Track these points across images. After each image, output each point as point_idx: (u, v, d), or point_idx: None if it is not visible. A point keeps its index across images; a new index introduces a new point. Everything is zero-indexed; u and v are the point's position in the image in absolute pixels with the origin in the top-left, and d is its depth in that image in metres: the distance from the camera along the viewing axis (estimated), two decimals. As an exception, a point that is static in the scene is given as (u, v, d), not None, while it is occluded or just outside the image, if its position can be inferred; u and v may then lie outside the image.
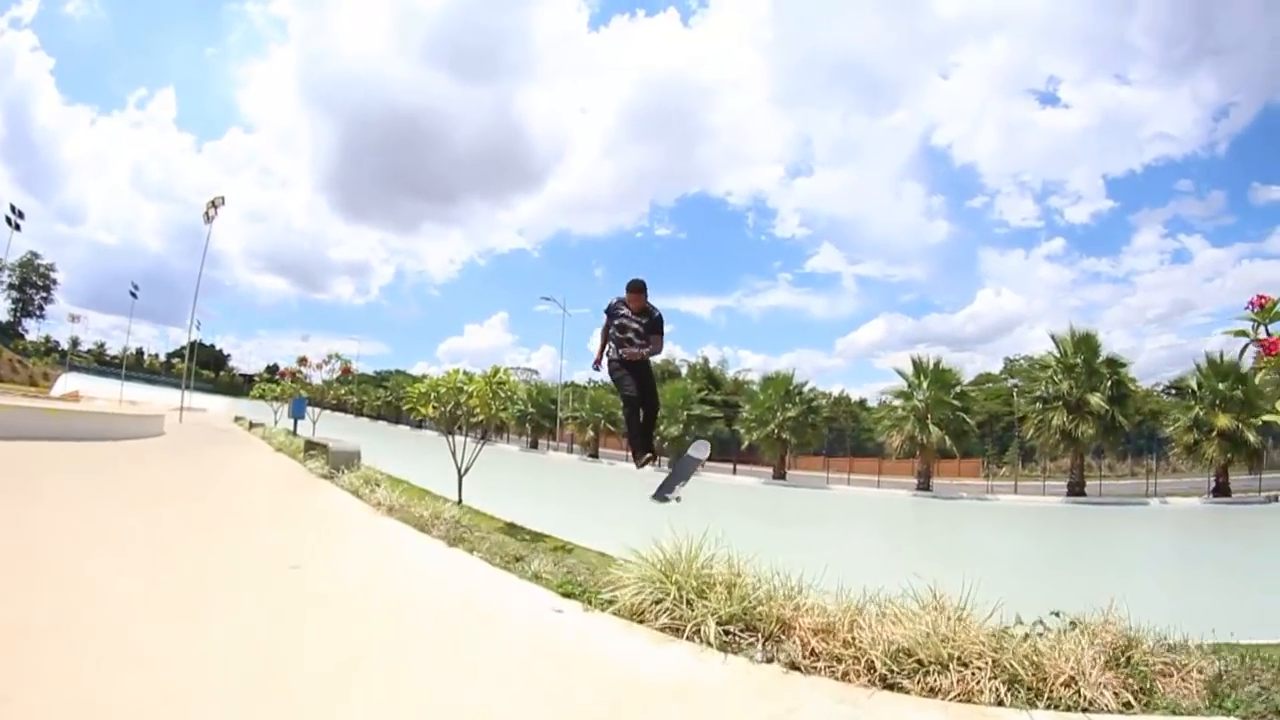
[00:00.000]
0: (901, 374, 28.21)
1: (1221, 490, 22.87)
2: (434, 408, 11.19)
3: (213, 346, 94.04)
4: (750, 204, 78.15)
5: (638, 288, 5.95)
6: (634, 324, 5.96)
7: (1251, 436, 21.90)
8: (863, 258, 79.21)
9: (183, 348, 71.36)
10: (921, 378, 27.07)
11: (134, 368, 75.31)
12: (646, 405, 6.28)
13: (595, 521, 15.20)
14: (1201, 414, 23.02)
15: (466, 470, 11.08)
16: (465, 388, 10.53)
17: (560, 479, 27.27)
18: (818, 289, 77.26)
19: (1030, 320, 63.84)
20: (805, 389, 31.27)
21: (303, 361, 25.52)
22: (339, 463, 10.47)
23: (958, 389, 26.71)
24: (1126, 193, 66.29)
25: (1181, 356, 59.04)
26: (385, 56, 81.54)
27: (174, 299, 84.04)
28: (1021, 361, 50.52)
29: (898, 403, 27.70)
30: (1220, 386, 22.95)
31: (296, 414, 23.85)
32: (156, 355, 78.11)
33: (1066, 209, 62.77)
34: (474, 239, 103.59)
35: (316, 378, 25.36)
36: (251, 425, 25.42)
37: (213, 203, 30.01)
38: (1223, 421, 22.21)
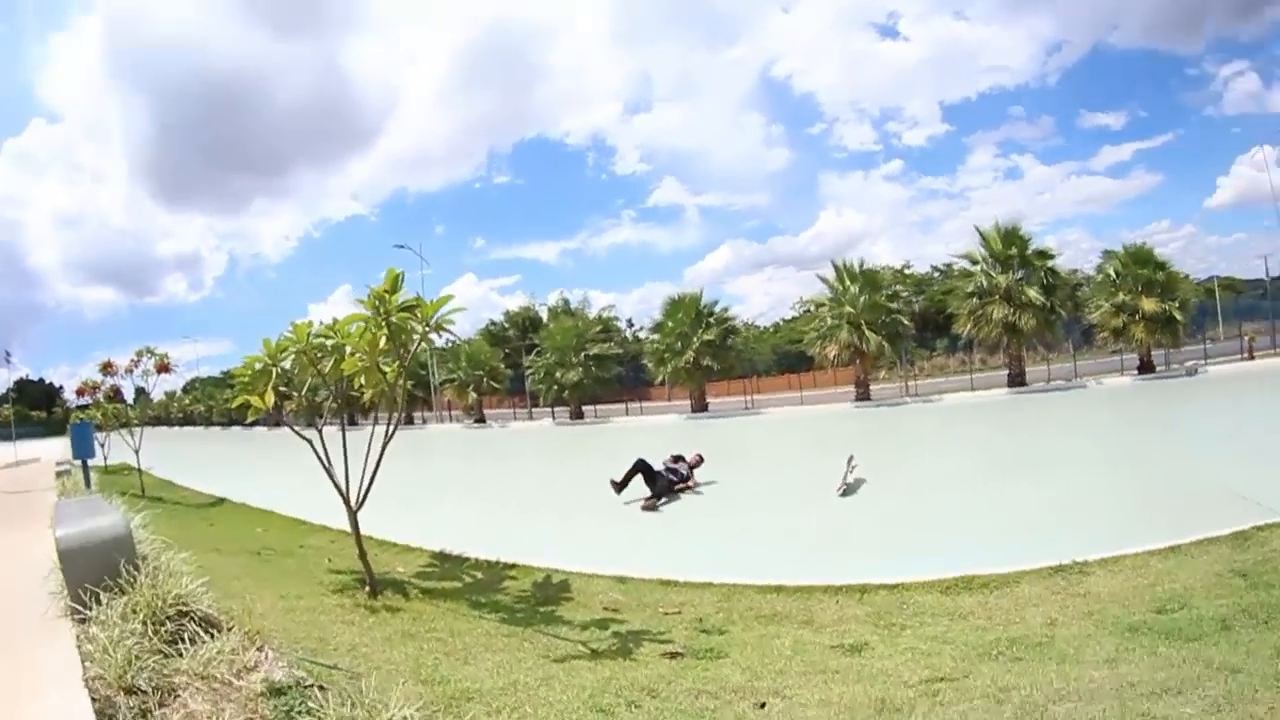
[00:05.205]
0: (824, 280, 25.56)
1: (1146, 368, 22.90)
2: (278, 392, 5.39)
3: (41, 381, 73.10)
4: (590, 143, 75.01)
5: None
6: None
7: (1179, 316, 21.84)
8: (705, 189, 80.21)
9: (9, 390, 53.11)
10: (848, 282, 24.51)
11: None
12: None
13: (546, 512, 9.51)
14: (1126, 299, 22.62)
15: (361, 502, 5.32)
16: (329, 342, 5.02)
17: (462, 458, 20.86)
18: (662, 222, 75.60)
19: (872, 236, 66.31)
20: (717, 309, 27.83)
21: (106, 368, 15.78)
22: (83, 576, 3.13)
23: (889, 289, 24.57)
24: (962, 117, 71.34)
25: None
26: (198, 17, 67.90)
27: (-8, 331, 59.68)
28: (885, 271, 51.17)
29: (823, 310, 25.09)
30: (1142, 272, 22.67)
31: (81, 453, 13.48)
32: (-25, 402, 56.42)
33: (904, 133, 65.22)
34: (307, 210, 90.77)
35: (151, 387, 16.20)
36: (59, 474, 13.91)
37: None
38: (1149, 305, 21.89)
